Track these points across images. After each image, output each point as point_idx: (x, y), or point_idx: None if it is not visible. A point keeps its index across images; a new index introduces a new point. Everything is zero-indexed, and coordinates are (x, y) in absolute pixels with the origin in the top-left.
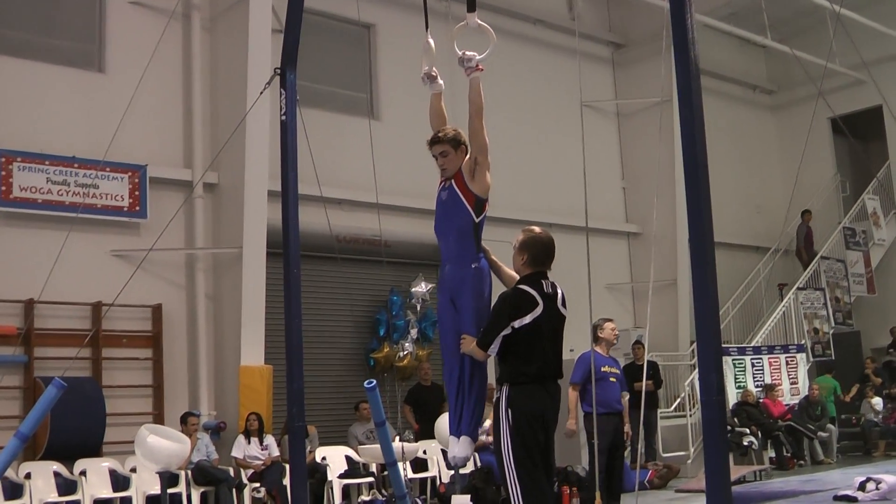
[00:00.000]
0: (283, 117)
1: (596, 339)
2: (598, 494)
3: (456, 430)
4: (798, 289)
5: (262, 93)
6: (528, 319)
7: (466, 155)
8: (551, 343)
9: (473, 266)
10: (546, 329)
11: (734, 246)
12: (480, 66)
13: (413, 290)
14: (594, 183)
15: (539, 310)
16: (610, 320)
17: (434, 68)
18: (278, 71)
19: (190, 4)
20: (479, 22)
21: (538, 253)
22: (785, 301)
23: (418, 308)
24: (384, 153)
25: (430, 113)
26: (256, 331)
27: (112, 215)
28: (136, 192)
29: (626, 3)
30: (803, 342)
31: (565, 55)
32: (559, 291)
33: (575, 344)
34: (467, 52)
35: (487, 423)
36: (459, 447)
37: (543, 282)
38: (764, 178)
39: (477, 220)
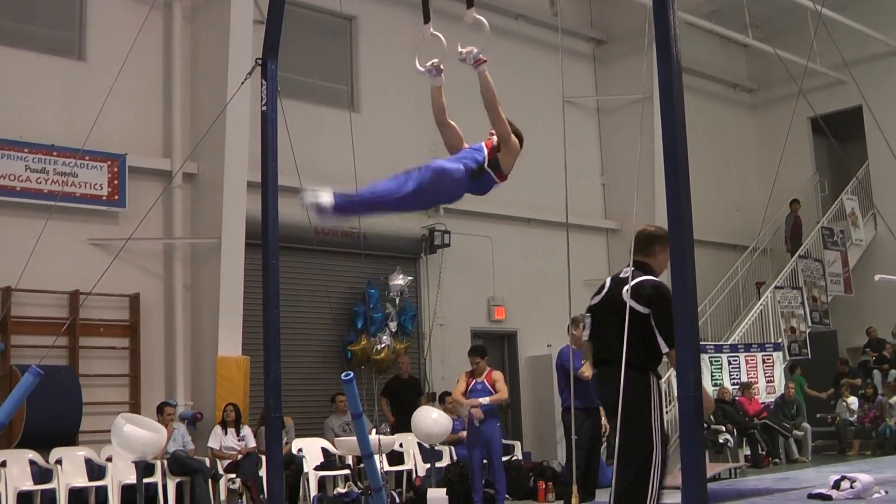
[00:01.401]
0: (264, 108)
1: (572, 335)
2: (574, 489)
3: None
4: (776, 287)
5: (242, 83)
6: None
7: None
8: None
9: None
10: None
11: (713, 244)
12: (483, 58)
13: (391, 283)
14: (573, 179)
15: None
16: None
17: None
18: (259, 61)
19: None
20: (476, 16)
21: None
22: (762, 299)
23: (397, 301)
24: (364, 145)
25: (433, 107)
26: (234, 321)
27: (90, 204)
28: (115, 181)
29: None
30: (780, 341)
31: (546, 50)
32: None
33: (552, 339)
34: (467, 47)
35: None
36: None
37: None
38: (743, 176)
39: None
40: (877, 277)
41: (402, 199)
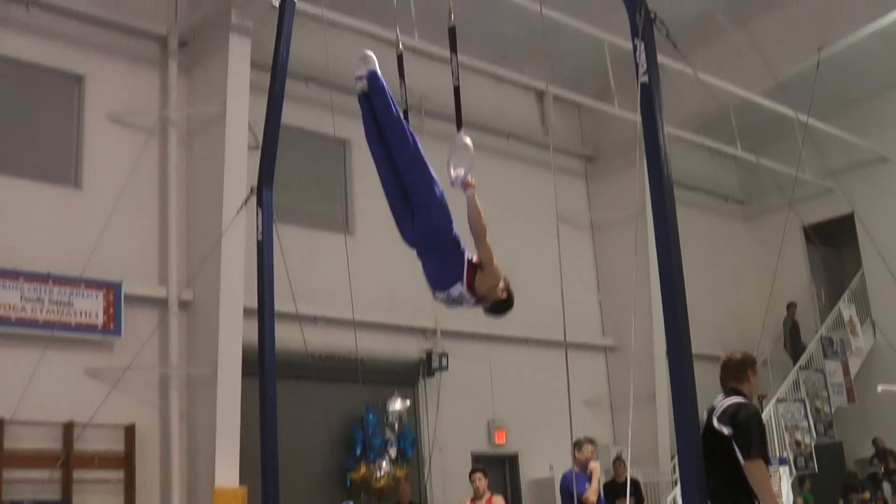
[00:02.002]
0: (260, 237)
1: (575, 458)
2: None
3: None
4: (778, 400)
5: (238, 212)
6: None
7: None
8: None
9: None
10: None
11: (711, 357)
12: (471, 181)
13: (389, 408)
14: (570, 297)
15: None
16: (589, 441)
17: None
18: (255, 190)
19: (167, 120)
20: (465, 139)
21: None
22: (765, 413)
23: (396, 426)
24: (359, 269)
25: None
26: (231, 451)
27: (86, 333)
28: (111, 310)
29: (598, 115)
30: (785, 455)
31: (538, 168)
32: None
33: (555, 461)
34: (454, 170)
35: None
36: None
37: None
38: (739, 287)
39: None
40: (879, 388)
41: (408, 144)
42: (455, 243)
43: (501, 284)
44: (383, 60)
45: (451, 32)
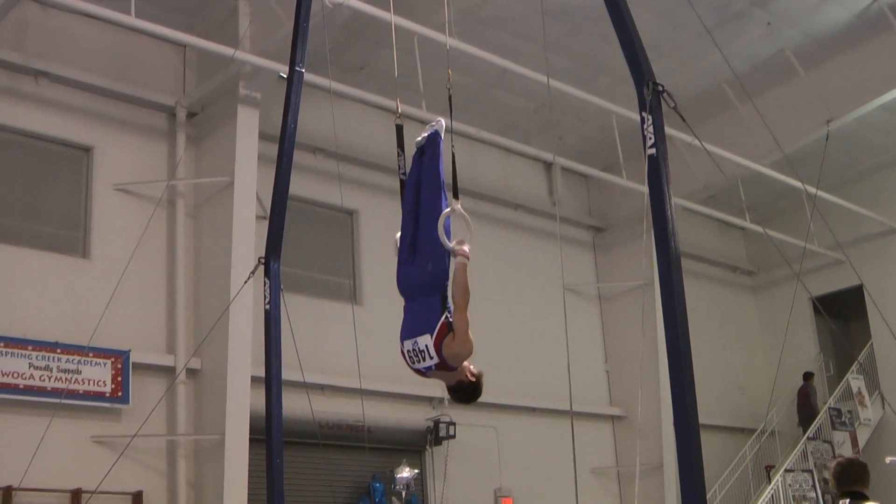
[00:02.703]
0: (267, 307)
1: None
2: None
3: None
4: (786, 470)
5: (245, 282)
6: None
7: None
8: None
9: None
10: None
11: (719, 428)
12: (465, 251)
13: (397, 475)
14: (577, 366)
15: None
16: None
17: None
18: (262, 260)
19: (175, 191)
20: (461, 210)
21: None
22: (773, 483)
23: (403, 495)
24: (366, 338)
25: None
26: None
27: (94, 401)
28: (119, 378)
29: (606, 187)
30: None
31: (546, 239)
32: None
33: None
34: (449, 240)
35: None
36: None
37: None
38: (747, 358)
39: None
40: (887, 460)
41: (438, 199)
42: (442, 297)
43: (473, 368)
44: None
45: (450, 100)
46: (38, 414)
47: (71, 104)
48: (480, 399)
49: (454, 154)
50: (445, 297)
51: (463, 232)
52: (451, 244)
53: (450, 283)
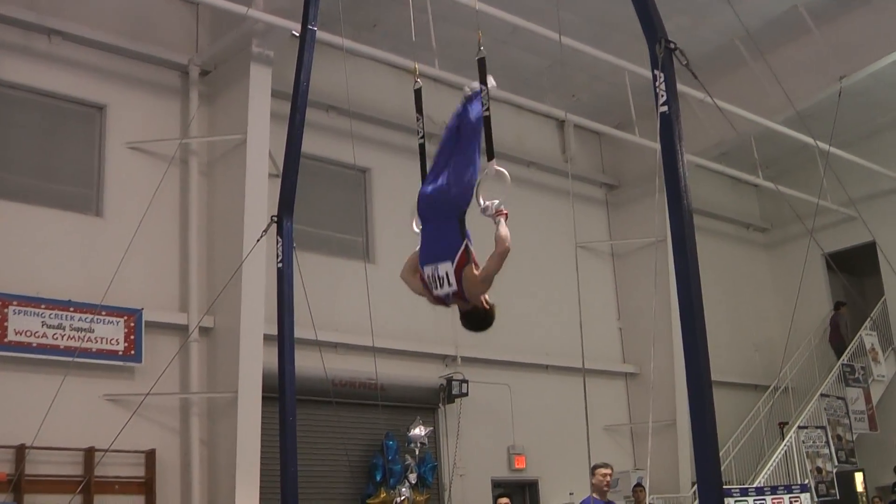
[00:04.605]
0: (280, 265)
1: (592, 484)
2: None
3: None
4: (799, 427)
5: (258, 241)
6: None
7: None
8: None
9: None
10: None
11: (733, 385)
12: (504, 210)
13: (410, 433)
14: (590, 324)
15: None
16: (603, 466)
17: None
18: (275, 219)
19: (188, 150)
20: (497, 168)
21: None
22: (786, 440)
23: (416, 452)
24: (379, 296)
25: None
26: (251, 478)
27: (107, 359)
28: (132, 337)
29: (619, 144)
30: (806, 482)
31: (559, 196)
32: None
33: (575, 488)
34: (486, 199)
35: None
36: None
37: None
38: (760, 315)
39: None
40: None
41: (476, 139)
42: (460, 223)
43: (487, 297)
44: (405, 88)
45: (481, 63)
46: (51, 372)
47: (84, 62)
48: (492, 356)
49: (488, 116)
50: (464, 223)
51: (497, 191)
52: (489, 208)
53: (467, 209)
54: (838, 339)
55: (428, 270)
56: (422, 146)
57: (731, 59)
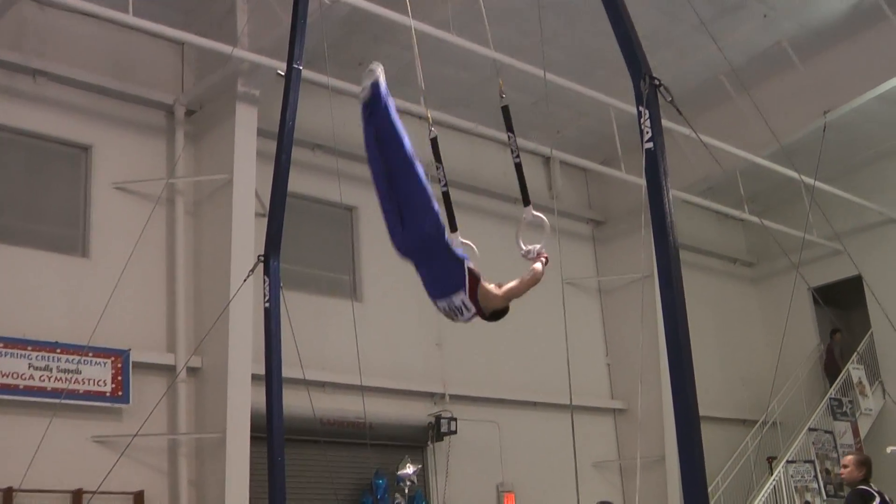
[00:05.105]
0: (267, 304)
1: None
2: None
3: None
4: (788, 462)
5: (245, 280)
6: None
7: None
8: None
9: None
10: None
11: (721, 420)
12: (545, 254)
13: (400, 472)
14: (578, 360)
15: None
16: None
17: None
18: (262, 258)
19: (174, 189)
20: (535, 213)
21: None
22: (775, 475)
23: (406, 491)
24: (367, 334)
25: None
26: None
27: (94, 400)
28: (119, 377)
29: (605, 180)
30: None
31: (545, 233)
32: None
33: None
34: (532, 244)
35: None
36: None
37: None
38: (748, 349)
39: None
40: (888, 450)
41: (404, 152)
42: (448, 249)
43: (498, 292)
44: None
45: (505, 112)
46: (39, 414)
47: (69, 103)
48: (481, 394)
49: (518, 163)
50: (450, 246)
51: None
52: (530, 252)
53: (446, 230)
54: (833, 366)
55: (442, 305)
56: (445, 194)
57: (715, 94)
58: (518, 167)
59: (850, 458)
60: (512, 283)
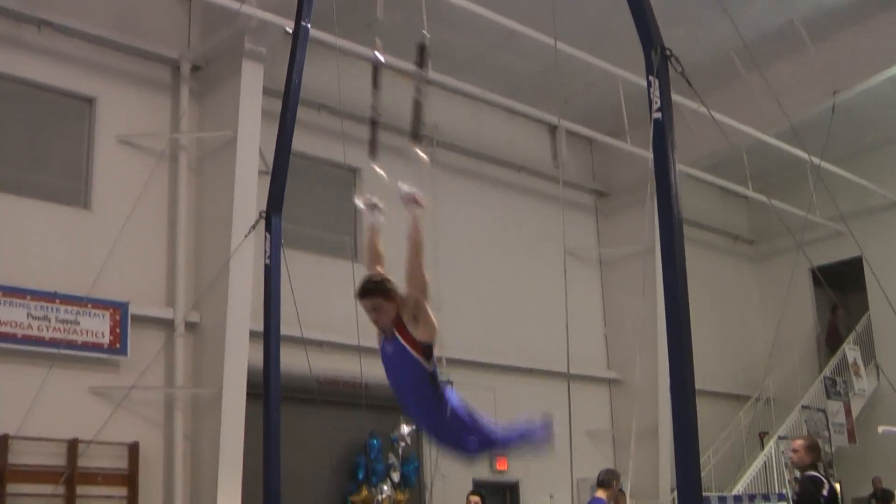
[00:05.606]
0: (267, 261)
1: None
2: None
3: None
4: (779, 438)
5: (246, 236)
6: (826, 492)
7: (398, 301)
8: None
9: (446, 412)
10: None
11: (715, 394)
12: (418, 199)
13: (395, 433)
14: (576, 330)
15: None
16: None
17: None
18: (264, 216)
19: (177, 145)
20: (418, 152)
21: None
22: (766, 450)
23: (400, 452)
24: None
25: (366, 249)
26: (234, 474)
27: (92, 352)
28: (117, 330)
29: (610, 151)
30: (784, 491)
31: (549, 202)
32: None
33: (555, 491)
34: (404, 187)
35: None
36: None
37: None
38: (744, 326)
39: (431, 371)
40: (880, 429)
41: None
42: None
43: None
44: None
45: (421, 49)
46: (36, 364)
47: (74, 55)
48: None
49: (417, 100)
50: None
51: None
52: (408, 196)
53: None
54: (836, 338)
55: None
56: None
57: (725, 71)
58: (416, 105)
59: (799, 442)
60: (411, 269)
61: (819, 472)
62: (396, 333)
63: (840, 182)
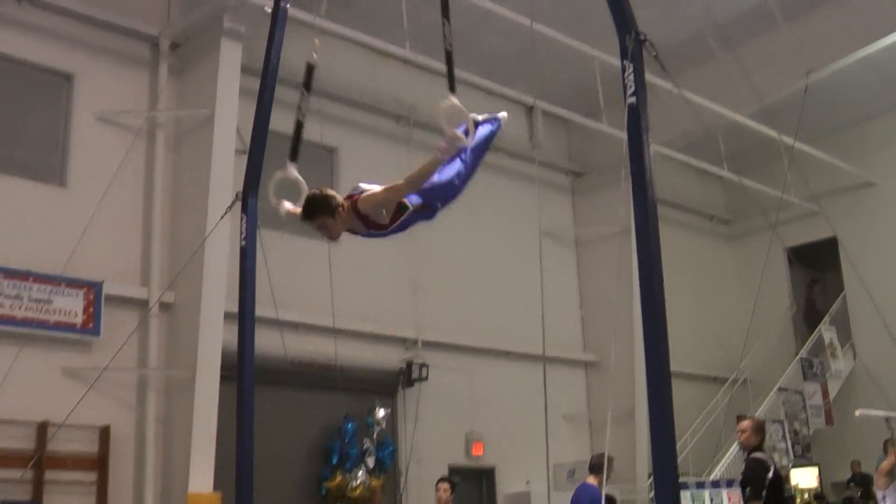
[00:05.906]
0: (243, 243)
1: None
2: None
3: None
4: None
5: (222, 217)
6: (771, 475)
7: (345, 212)
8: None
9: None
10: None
11: (692, 376)
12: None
13: (369, 417)
14: (552, 311)
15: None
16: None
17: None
18: (240, 196)
19: (155, 122)
20: (454, 101)
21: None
22: None
23: (375, 436)
24: (342, 277)
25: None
26: (206, 457)
27: (64, 332)
28: (91, 309)
29: (586, 132)
30: None
31: (524, 182)
32: None
33: (531, 476)
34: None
35: None
36: None
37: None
38: (721, 307)
39: (411, 207)
40: (857, 412)
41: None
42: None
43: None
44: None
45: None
46: (7, 344)
47: (53, 29)
48: (453, 341)
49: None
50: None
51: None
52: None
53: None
54: (814, 312)
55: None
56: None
57: (700, 51)
58: (449, 55)
59: (747, 422)
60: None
61: (765, 454)
62: (369, 229)
63: (814, 162)
